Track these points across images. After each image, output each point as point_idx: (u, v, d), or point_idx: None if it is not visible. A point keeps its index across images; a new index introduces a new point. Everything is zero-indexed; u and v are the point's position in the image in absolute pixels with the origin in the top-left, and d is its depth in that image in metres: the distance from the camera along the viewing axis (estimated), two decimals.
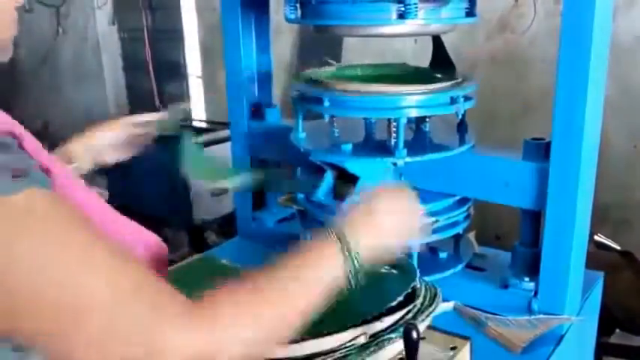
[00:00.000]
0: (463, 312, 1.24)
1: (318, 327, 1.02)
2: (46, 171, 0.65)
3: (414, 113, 1.31)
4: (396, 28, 1.27)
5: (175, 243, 3.38)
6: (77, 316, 0.59)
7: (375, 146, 1.40)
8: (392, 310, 0.99)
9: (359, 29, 1.30)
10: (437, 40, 1.52)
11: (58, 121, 4.71)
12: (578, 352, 1.43)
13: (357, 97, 1.30)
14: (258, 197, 1.74)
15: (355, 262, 0.80)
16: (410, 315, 1.00)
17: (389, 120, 1.31)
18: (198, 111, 4.27)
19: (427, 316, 1.03)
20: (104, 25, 4.59)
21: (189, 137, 1.30)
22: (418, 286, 1.08)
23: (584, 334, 1.44)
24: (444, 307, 1.12)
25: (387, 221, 0.86)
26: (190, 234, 3.49)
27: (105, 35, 4.61)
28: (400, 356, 0.97)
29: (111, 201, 0.86)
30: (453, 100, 1.31)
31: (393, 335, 0.97)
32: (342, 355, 0.96)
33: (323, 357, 0.97)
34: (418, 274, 1.10)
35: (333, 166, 1.36)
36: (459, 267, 1.42)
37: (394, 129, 1.30)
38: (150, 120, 1.32)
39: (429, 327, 1.07)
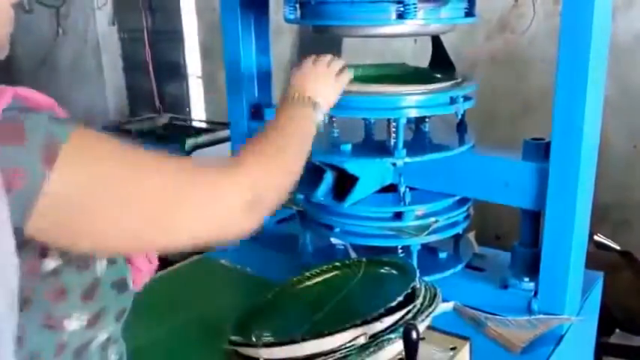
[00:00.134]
0: (463, 312, 1.24)
1: (318, 327, 1.03)
2: None
3: (413, 113, 1.31)
4: (395, 29, 1.27)
5: None
6: (159, 209, 0.70)
7: (374, 146, 1.40)
8: (392, 311, 0.99)
9: (358, 29, 1.30)
10: (436, 40, 1.52)
11: None
12: (578, 352, 1.43)
13: (357, 98, 1.30)
14: None
15: (320, 112, 1.08)
16: (410, 315, 1.00)
17: (388, 120, 1.31)
18: (198, 111, 4.27)
19: (427, 316, 1.03)
20: (104, 25, 4.59)
21: None
22: (418, 286, 1.08)
23: (584, 334, 1.44)
24: (443, 307, 1.12)
25: (320, 78, 1.12)
26: None
27: (105, 36, 4.60)
28: (400, 356, 0.97)
29: None
30: (453, 100, 1.31)
31: (392, 335, 0.97)
32: (342, 355, 0.96)
33: (323, 357, 0.97)
34: (418, 275, 1.10)
35: (333, 167, 1.36)
36: (459, 267, 1.42)
37: (394, 129, 1.30)
38: None
39: (429, 327, 1.07)
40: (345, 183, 1.35)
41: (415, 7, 1.20)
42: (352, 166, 1.33)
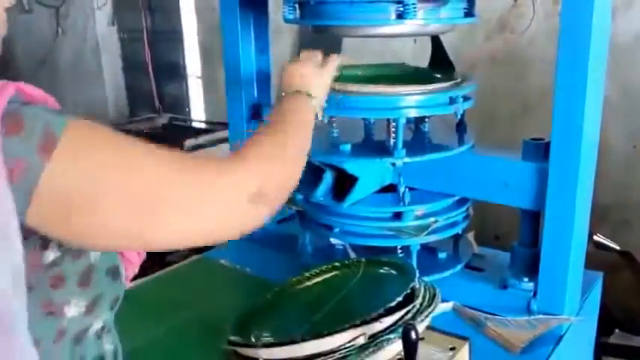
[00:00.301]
0: (462, 312, 1.24)
1: (318, 327, 1.02)
2: None
3: (413, 113, 1.31)
4: (394, 29, 1.27)
5: None
6: (158, 195, 0.70)
7: (374, 146, 1.40)
8: (391, 311, 0.99)
9: (358, 29, 1.30)
10: (436, 41, 1.52)
11: None
12: (578, 353, 1.43)
13: (356, 98, 1.30)
14: None
15: (317, 102, 1.09)
16: (409, 315, 1.00)
17: (388, 120, 1.31)
18: (198, 111, 4.27)
19: (426, 316, 1.02)
20: (104, 25, 4.59)
21: None
22: (417, 286, 1.08)
23: (584, 335, 1.44)
24: (443, 307, 1.12)
25: (306, 72, 1.12)
26: None
27: (104, 36, 4.60)
28: (399, 357, 0.97)
29: None
30: (452, 100, 1.31)
31: (392, 336, 0.97)
32: (341, 355, 0.96)
33: (323, 357, 0.97)
34: (417, 275, 1.10)
35: (332, 167, 1.36)
36: (458, 267, 1.42)
37: (393, 129, 1.30)
38: None
39: (428, 327, 1.07)
40: (344, 183, 1.35)
41: (415, 7, 1.20)
42: (352, 166, 1.33)
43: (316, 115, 1.07)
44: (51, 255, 0.70)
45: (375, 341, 0.97)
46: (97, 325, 0.79)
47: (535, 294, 1.28)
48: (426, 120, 1.45)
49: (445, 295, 1.13)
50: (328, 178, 1.37)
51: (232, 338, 1.09)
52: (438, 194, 1.39)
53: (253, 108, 1.65)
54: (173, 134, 3.74)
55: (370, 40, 2.60)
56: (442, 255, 1.45)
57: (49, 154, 0.62)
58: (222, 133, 3.44)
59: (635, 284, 2.02)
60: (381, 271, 1.22)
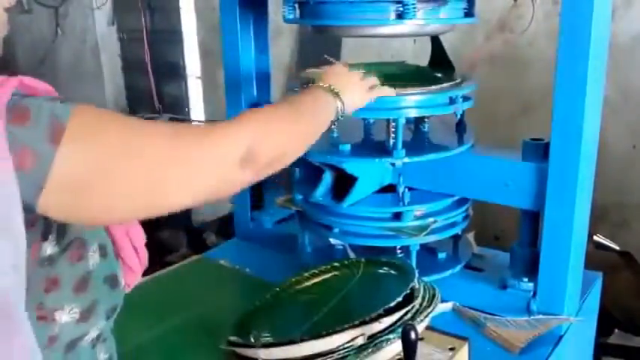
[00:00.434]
0: (462, 312, 1.24)
1: (317, 328, 1.02)
2: None
3: (412, 113, 1.31)
4: (394, 29, 1.27)
5: (174, 244, 3.38)
6: (161, 170, 0.72)
7: (373, 147, 1.40)
8: (390, 311, 0.99)
9: (357, 29, 1.30)
10: (436, 41, 1.52)
11: None
12: (577, 353, 1.43)
13: None
14: (257, 198, 1.74)
15: (341, 102, 1.07)
16: (408, 316, 1.00)
17: (387, 120, 1.31)
18: (198, 111, 4.27)
19: (426, 316, 1.02)
20: (103, 25, 4.58)
21: None
22: (417, 286, 1.08)
23: (583, 335, 1.44)
24: (442, 307, 1.12)
25: (351, 81, 1.13)
26: (189, 235, 3.49)
27: (104, 36, 4.60)
28: (398, 357, 0.97)
29: None
30: (452, 101, 1.31)
31: (391, 336, 0.97)
32: (340, 356, 0.96)
33: (322, 358, 0.97)
34: (417, 275, 1.10)
35: (332, 167, 1.36)
36: (458, 267, 1.42)
37: (393, 129, 1.30)
38: None
39: (428, 327, 1.07)
40: (344, 183, 1.35)
41: (414, 7, 1.20)
42: (351, 167, 1.33)
43: (336, 116, 1.06)
44: (49, 248, 0.71)
45: (375, 341, 0.97)
46: (92, 334, 0.78)
47: (535, 294, 1.28)
48: (426, 120, 1.45)
49: (445, 295, 1.13)
50: (328, 178, 1.37)
51: (232, 338, 1.09)
52: (437, 194, 1.39)
53: (253, 108, 1.65)
54: None
55: (370, 40, 2.60)
56: (442, 255, 1.45)
57: (58, 141, 0.64)
58: None
59: (635, 284, 2.02)
60: (381, 271, 1.22)
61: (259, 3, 1.60)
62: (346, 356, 0.96)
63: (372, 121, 1.46)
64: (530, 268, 1.30)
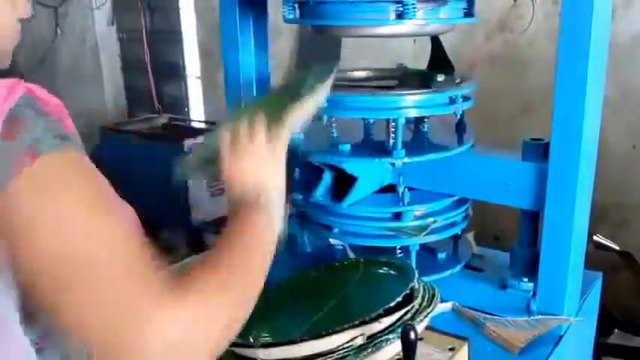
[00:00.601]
0: (461, 312, 1.24)
1: (316, 328, 1.02)
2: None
3: (412, 113, 1.31)
4: (394, 29, 1.27)
5: (174, 244, 3.38)
6: (76, 276, 0.63)
7: (373, 147, 1.40)
8: (390, 311, 0.99)
9: (357, 29, 1.30)
10: (435, 41, 1.52)
11: None
12: (577, 353, 1.42)
13: (356, 97, 1.30)
14: None
15: (280, 220, 0.90)
16: (408, 316, 1.00)
17: (387, 120, 1.31)
18: (197, 112, 4.27)
19: (425, 316, 1.02)
20: (103, 25, 4.58)
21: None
22: (416, 286, 1.08)
23: (583, 335, 1.44)
24: (442, 307, 1.12)
25: (260, 160, 0.92)
26: (189, 235, 3.49)
27: (103, 36, 4.60)
28: (398, 357, 0.97)
29: None
30: (452, 100, 1.31)
31: (391, 336, 0.96)
32: (340, 356, 0.96)
33: (321, 358, 0.96)
34: (416, 275, 1.10)
35: (332, 167, 1.36)
36: (458, 267, 1.42)
37: (392, 129, 1.30)
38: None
39: (427, 327, 1.07)
40: (343, 183, 1.35)
41: (414, 7, 1.20)
42: (351, 166, 1.33)
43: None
44: None
45: (374, 341, 0.96)
46: None
47: (534, 294, 1.28)
48: (426, 120, 1.44)
49: (444, 295, 1.13)
50: (327, 178, 1.37)
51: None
52: (437, 194, 1.39)
53: None
54: (172, 134, 3.74)
55: (370, 40, 2.60)
56: (441, 255, 1.45)
57: (20, 171, 0.61)
58: None
59: (635, 284, 2.02)
60: (381, 271, 1.22)
61: (259, 3, 1.60)
62: (346, 356, 0.96)
63: (372, 121, 1.45)
64: (530, 268, 1.30)
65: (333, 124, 1.43)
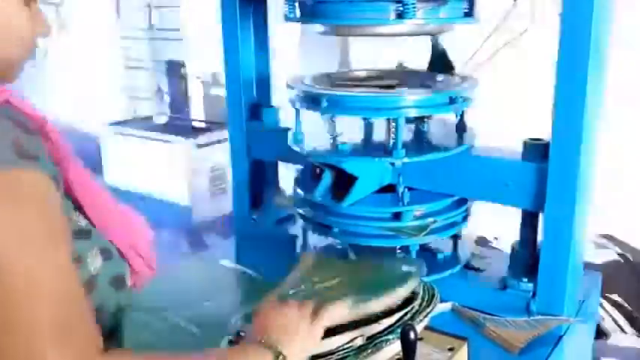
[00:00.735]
0: (461, 313, 1.23)
1: None
2: (59, 161, 0.71)
3: (412, 113, 1.31)
4: (394, 28, 1.27)
5: (174, 244, 3.38)
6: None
7: (373, 146, 1.40)
8: (390, 312, 0.98)
9: (357, 29, 1.30)
10: (436, 41, 1.52)
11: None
12: (577, 353, 1.42)
13: (356, 97, 1.30)
14: (256, 198, 1.74)
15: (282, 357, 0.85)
16: (408, 316, 1.00)
17: (388, 120, 1.31)
18: (198, 111, 4.27)
19: (425, 316, 1.02)
20: (104, 24, 4.59)
21: None
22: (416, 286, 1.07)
23: (583, 335, 1.43)
24: (442, 307, 1.12)
25: (289, 325, 0.89)
26: (189, 235, 3.49)
27: (104, 35, 4.61)
28: (398, 357, 0.97)
29: None
30: (452, 100, 1.31)
31: (390, 337, 0.96)
32: (340, 357, 0.96)
33: (322, 359, 0.96)
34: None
35: (332, 166, 1.36)
36: (458, 267, 1.42)
37: (393, 129, 1.30)
38: None
39: (427, 328, 1.07)
40: (343, 183, 1.35)
41: (414, 7, 1.20)
42: (351, 166, 1.33)
43: None
44: None
45: (374, 342, 0.96)
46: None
47: (534, 294, 1.28)
48: (426, 120, 1.44)
49: (444, 295, 1.13)
50: (327, 177, 1.37)
51: (231, 338, 1.08)
52: (437, 194, 1.39)
53: (253, 108, 1.65)
54: (173, 134, 3.74)
55: (370, 40, 2.60)
56: (441, 255, 1.44)
57: None
58: (222, 133, 3.44)
59: (635, 284, 2.02)
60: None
61: (259, 2, 1.60)
62: (346, 357, 0.96)
63: (372, 120, 1.45)
64: (530, 268, 1.30)
65: (334, 124, 1.43)
